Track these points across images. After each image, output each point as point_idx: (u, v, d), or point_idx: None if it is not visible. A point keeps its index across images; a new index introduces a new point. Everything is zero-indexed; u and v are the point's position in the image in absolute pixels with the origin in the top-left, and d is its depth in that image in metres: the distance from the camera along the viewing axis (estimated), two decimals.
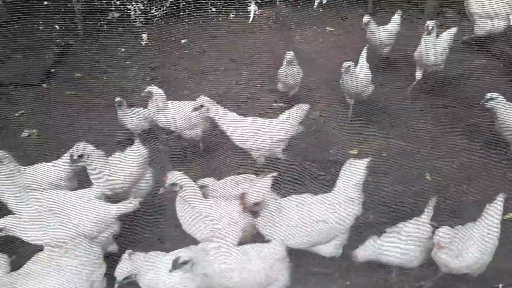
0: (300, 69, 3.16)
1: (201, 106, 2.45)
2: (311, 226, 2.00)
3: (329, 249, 2.08)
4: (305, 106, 2.57)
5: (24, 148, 2.89)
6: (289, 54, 3.03)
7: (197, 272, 1.83)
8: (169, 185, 2.05)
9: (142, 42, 3.93)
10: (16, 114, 3.29)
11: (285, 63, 3.08)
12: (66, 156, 2.29)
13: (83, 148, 2.15)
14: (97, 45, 3.86)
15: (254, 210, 1.96)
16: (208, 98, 2.49)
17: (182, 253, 1.85)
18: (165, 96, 2.73)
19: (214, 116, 2.50)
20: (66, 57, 3.95)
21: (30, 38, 3.65)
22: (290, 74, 3.09)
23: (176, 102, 2.77)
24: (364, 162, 2.13)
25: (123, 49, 4.00)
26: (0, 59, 3.82)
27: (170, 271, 1.81)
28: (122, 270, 1.85)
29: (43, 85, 3.60)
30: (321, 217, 2.02)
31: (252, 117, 2.67)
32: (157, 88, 2.71)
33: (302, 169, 2.72)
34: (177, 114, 2.66)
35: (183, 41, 4.12)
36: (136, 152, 2.39)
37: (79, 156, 2.13)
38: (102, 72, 3.69)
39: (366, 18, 3.47)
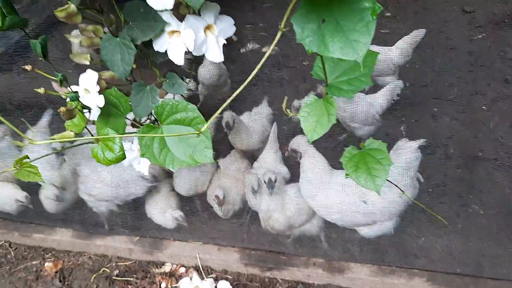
0: None
1: None
2: (351, 204, 1.88)
3: (367, 231, 1.98)
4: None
5: None
6: None
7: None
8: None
9: None
10: None
11: None
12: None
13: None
14: None
15: (292, 156, 2.01)
16: None
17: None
18: None
19: None
20: None
21: None
22: None
23: None
24: (415, 144, 1.85)
25: None
26: None
27: (271, 193, 1.94)
28: None
29: None
30: (363, 197, 1.86)
31: None
32: None
33: None
34: None
35: None
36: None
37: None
38: None
39: None
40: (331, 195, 1.93)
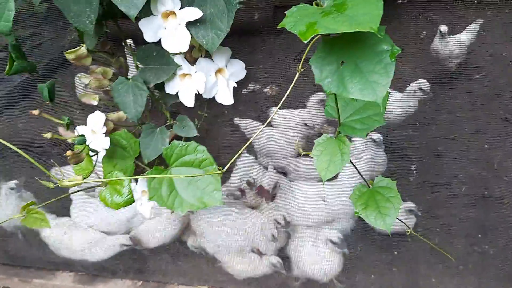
0: None
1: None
2: (312, 203, 1.94)
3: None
4: None
5: None
6: None
7: None
8: None
9: None
10: None
11: None
12: None
13: None
14: None
15: (273, 194, 1.99)
16: None
17: None
18: None
19: None
20: None
21: None
22: None
23: None
24: None
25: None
26: None
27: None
28: None
29: None
30: (321, 194, 1.93)
31: None
32: None
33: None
34: None
35: None
36: None
37: None
38: None
39: None
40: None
